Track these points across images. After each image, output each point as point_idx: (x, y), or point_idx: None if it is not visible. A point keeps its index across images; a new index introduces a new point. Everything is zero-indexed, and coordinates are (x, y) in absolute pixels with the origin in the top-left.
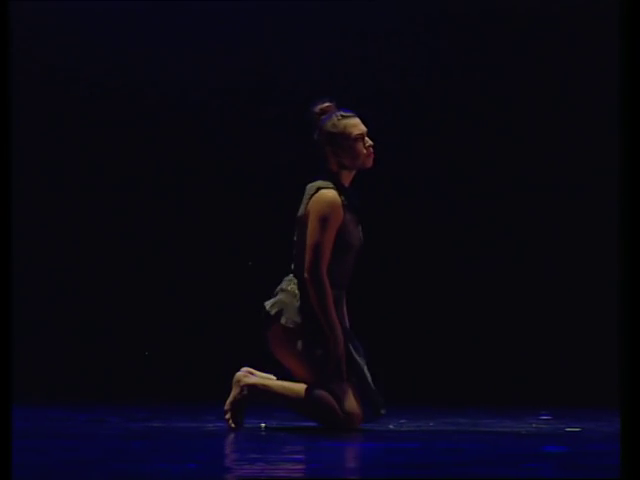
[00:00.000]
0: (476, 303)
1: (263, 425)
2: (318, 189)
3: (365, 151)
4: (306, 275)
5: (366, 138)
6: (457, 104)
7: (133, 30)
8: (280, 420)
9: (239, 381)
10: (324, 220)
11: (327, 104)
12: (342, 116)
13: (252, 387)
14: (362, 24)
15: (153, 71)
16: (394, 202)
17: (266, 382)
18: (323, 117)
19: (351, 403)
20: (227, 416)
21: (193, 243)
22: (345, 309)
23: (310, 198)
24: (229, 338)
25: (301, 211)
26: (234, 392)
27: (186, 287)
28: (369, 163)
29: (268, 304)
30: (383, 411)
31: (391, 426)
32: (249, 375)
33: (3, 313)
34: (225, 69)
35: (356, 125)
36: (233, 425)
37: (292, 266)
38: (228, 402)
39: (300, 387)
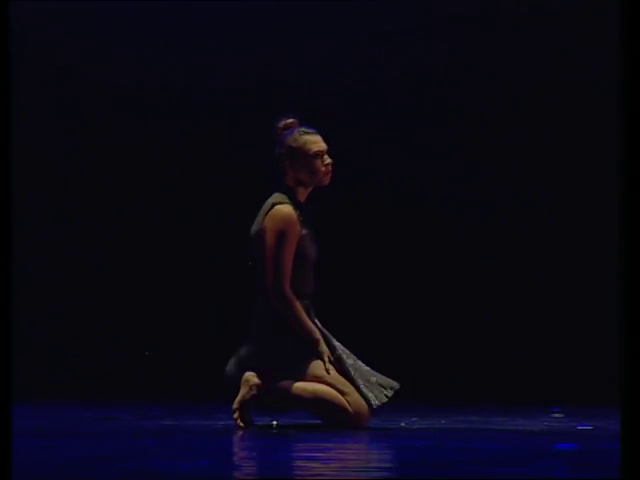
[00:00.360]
0: (487, 302)
1: (275, 423)
2: (273, 205)
3: (323, 169)
4: (270, 292)
5: (325, 156)
6: (456, 104)
7: (133, 30)
8: (291, 418)
9: (248, 381)
10: (282, 236)
11: (291, 120)
12: (304, 132)
13: (261, 386)
14: (363, 24)
15: (152, 71)
16: (396, 201)
17: (279, 384)
18: (285, 132)
19: (359, 401)
20: (235, 415)
21: (205, 241)
22: (312, 315)
23: (266, 215)
24: (240, 337)
25: (256, 228)
26: (243, 391)
27: (199, 286)
28: (326, 181)
29: (233, 371)
30: (391, 392)
31: (403, 424)
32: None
33: (7, 312)
34: (226, 69)
35: (316, 142)
36: (241, 424)
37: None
38: (237, 401)
39: (309, 386)
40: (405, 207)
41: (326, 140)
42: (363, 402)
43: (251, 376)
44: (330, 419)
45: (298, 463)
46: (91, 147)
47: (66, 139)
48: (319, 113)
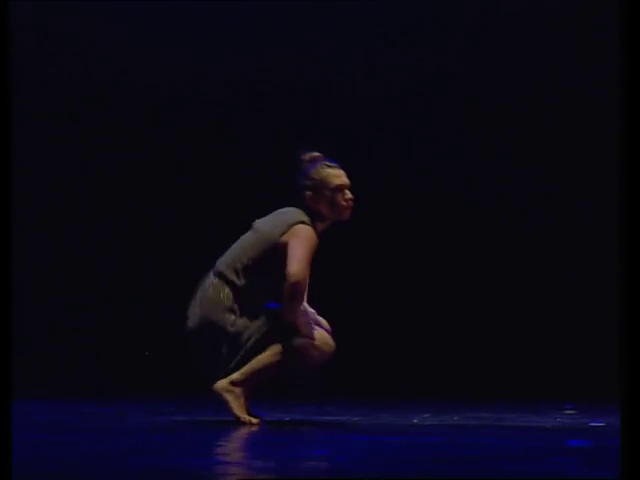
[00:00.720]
0: (499, 300)
1: (286, 419)
2: (302, 222)
3: (344, 203)
4: (297, 280)
5: (346, 191)
6: (455, 104)
7: (133, 30)
8: (303, 414)
9: (223, 387)
10: (312, 247)
11: (316, 154)
12: (326, 165)
13: (240, 382)
14: (364, 24)
15: (152, 71)
16: (398, 200)
17: (245, 369)
18: (309, 164)
19: (321, 333)
20: (242, 420)
21: (210, 237)
22: None
23: (292, 225)
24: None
25: (275, 232)
26: (230, 398)
27: None
28: (346, 215)
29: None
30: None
31: (415, 420)
32: (226, 376)
33: (8, 309)
34: (226, 70)
35: (339, 176)
36: (254, 421)
37: (238, 280)
38: (233, 412)
39: (274, 349)
40: (409, 208)
41: (349, 176)
42: (320, 330)
43: (223, 381)
44: (303, 364)
45: (305, 461)
46: (90, 147)
47: (66, 139)
48: (320, 114)
